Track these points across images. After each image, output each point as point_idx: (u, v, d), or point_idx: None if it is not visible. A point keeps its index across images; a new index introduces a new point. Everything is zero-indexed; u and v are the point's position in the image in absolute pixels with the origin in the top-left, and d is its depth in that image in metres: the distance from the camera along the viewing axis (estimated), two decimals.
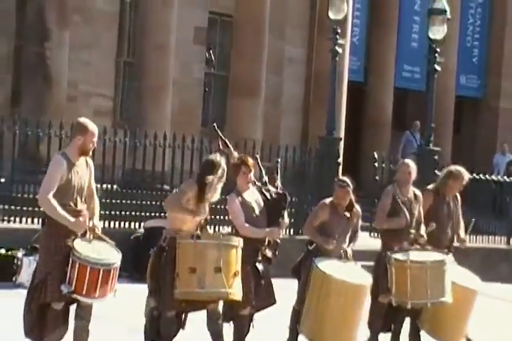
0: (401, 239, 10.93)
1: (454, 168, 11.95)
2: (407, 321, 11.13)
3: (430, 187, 11.53)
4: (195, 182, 9.45)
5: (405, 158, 16.73)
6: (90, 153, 8.76)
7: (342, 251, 10.27)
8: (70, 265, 8.32)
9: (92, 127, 8.67)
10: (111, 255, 8.65)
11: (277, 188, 10.31)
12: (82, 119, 8.89)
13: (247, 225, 9.53)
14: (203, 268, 9.02)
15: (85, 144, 8.61)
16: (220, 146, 10.78)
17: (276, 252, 10.02)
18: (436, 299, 10.69)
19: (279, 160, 12.29)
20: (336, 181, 11.01)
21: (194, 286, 9.04)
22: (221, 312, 9.25)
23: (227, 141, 10.75)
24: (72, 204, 8.45)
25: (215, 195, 9.34)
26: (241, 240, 9.23)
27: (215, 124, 11.70)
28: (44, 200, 8.39)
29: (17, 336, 9.08)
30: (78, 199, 8.53)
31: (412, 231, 11.07)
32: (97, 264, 8.42)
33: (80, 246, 8.40)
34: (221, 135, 10.89)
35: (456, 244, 11.52)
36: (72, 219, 8.32)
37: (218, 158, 9.56)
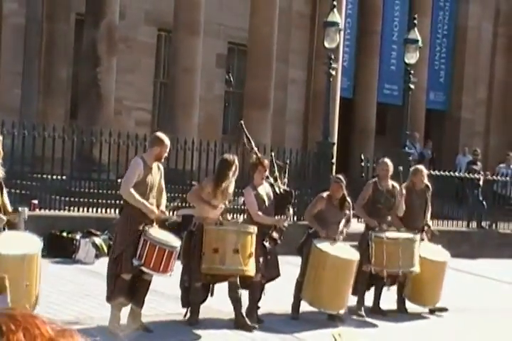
0: (380, 221, 11.01)
1: (416, 166, 12.16)
2: (394, 290, 11.19)
3: (405, 183, 11.61)
4: (212, 178, 9.53)
5: None
6: (163, 159, 8.97)
7: (337, 234, 10.35)
8: (141, 244, 8.48)
9: (167, 141, 8.94)
10: (174, 240, 8.80)
11: (284, 184, 10.37)
12: (160, 134, 9.14)
13: (260, 213, 9.59)
14: (224, 249, 9.11)
15: (161, 153, 8.84)
16: (245, 141, 10.80)
17: (282, 237, 10.05)
18: (407, 268, 10.82)
19: (288, 161, 12.30)
20: (332, 177, 11.07)
21: (217, 263, 9.15)
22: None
23: (250, 137, 10.75)
24: (145, 198, 8.62)
25: (230, 186, 9.41)
26: (255, 227, 9.30)
27: (242, 122, 11.67)
28: (126, 192, 8.63)
29: (77, 298, 9.15)
30: (150, 194, 8.70)
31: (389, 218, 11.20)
32: (164, 245, 8.60)
33: (151, 229, 8.60)
34: (246, 131, 10.88)
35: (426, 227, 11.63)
36: (149, 206, 8.55)
37: (232, 156, 9.65)
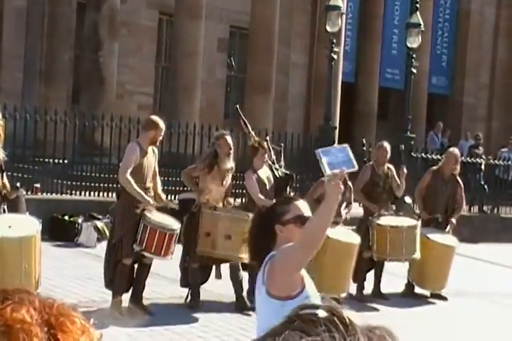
0: (379, 206, 10.99)
1: (449, 151, 12.06)
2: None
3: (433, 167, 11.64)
4: (203, 159, 9.48)
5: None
6: (158, 142, 8.93)
7: (337, 218, 10.32)
8: (141, 229, 8.48)
9: (162, 124, 8.89)
10: (173, 223, 8.81)
11: (281, 166, 10.34)
12: (155, 117, 9.09)
13: (261, 196, 9.55)
14: (215, 233, 9.12)
15: (155, 137, 8.81)
16: (242, 125, 10.77)
17: None
18: (409, 256, 10.79)
19: (282, 144, 12.23)
20: None
21: (208, 247, 9.16)
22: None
23: (246, 120, 10.72)
24: (143, 182, 8.61)
25: (226, 165, 9.31)
26: (250, 214, 9.22)
27: (237, 106, 11.65)
28: (123, 178, 8.62)
29: (80, 281, 9.14)
30: (147, 178, 8.69)
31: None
32: (165, 229, 8.62)
33: (150, 213, 8.59)
34: (242, 115, 10.86)
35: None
36: (145, 196, 8.53)
37: (224, 133, 9.63)
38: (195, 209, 9.31)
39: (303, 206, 4.00)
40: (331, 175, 3.84)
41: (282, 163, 10.56)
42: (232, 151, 9.41)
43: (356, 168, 4.39)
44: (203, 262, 9.28)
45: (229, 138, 9.40)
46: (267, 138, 10.88)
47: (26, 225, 7.92)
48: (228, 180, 9.41)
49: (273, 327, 0.66)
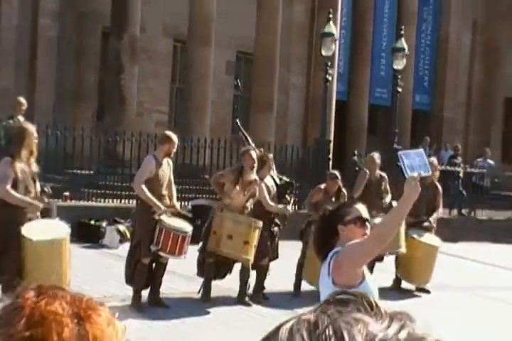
0: (370, 207, 10.91)
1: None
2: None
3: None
4: (232, 171, 9.46)
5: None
6: (172, 154, 8.93)
7: None
8: (157, 231, 8.49)
9: (175, 138, 8.90)
10: (186, 226, 8.82)
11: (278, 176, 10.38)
12: (169, 132, 9.08)
13: (271, 203, 9.55)
14: (220, 233, 9.10)
15: (170, 149, 8.82)
16: (240, 135, 10.77)
17: (286, 222, 10.04)
18: (393, 250, 10.71)
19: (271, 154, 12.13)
20: (328, 174, 11.01)
21: (214, 244, 9.15)
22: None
23: (246, 134, 10.72)
24: (159, 190, 8.62)
25: (251, 177, 9.27)
26: (256, 221, 9.18)
27: (237, 120, 11.65)
28: (138, 187, 8.64)
29: (104, 279, 9.12)
30: (163, 187, 8.71)
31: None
32: (178, 231, 8.61)
33: (165, 218, 8.59)
34: (242, 129, 10.86)
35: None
36: (157, 203, 8.52)
37: (250, 148, 9.64)
38: (218, 211, 9.32)
39: (362, 209, 4.13)
40: (411, 176, 3.96)
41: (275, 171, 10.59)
42: (256, 165, 9.35)
43: (430, 172, 4.45)
44: (218, 260, 9.24)
45: (253, 153, 9.38)
46: (252, 145, 10.76)
47: (57, 229, 7.92)
48: (251, 189, 9.31)
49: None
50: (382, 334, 0.58)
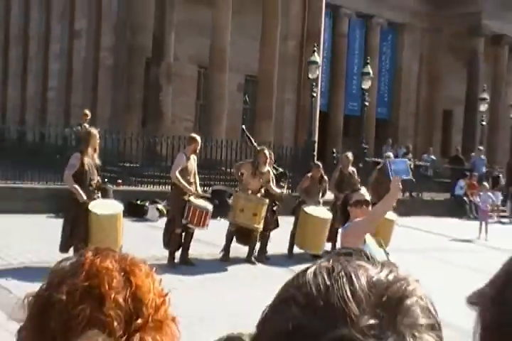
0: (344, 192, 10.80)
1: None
2: None
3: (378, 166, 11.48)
4: (250, 163, 9.34)
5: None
6: (197, 152, 8.85)
7: (317, 201, 10.25)
8: (187, 209, 8.44)
9: (199, 140, 8.85)
10: (208, 205, 8.77)
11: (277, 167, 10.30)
12: (194, 135, 9.02)
13: (274, 188, 9.47)
14: (235, 207, 9.08)
15: (195, 148, 8.77)
16: (246, 139, 10.71)
17: (281, 201, 9.98)
18: None
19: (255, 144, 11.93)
20: (313, 164, 10.93)
21: (231, 217, 9.11)
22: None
23: (251, 137, 10.65)
24: (188, 178, 8.56)
25: (265, 169, 9.22)
26: (263, 198, 9.11)
27: (243, 127, 11.60)
28: (173, 175, 8.58)
29: (147, 244, 9.10)
30: (190, 176, 8.64)
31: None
32: (202, 209, 8.56)
33: (192, 199, 8.55)
34: (247, 133, 10.79)
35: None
36: (188, 187, 8.49)
37: (264, 147, 9.55)
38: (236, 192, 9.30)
39: (362, 193, 4.23)
40: (395, 179, 4.03)
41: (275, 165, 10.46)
42: (268, 160, 9.27)
43: (410, 176, 4.48)
44: (238, 229, 9.11)
45: (266, 152, 9.30)
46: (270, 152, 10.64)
47: (114, 207, 7.91)
48: (263, 178, 9.22)
49: None
50: (377, 276, 0.61)
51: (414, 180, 19.36)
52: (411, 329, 0.59)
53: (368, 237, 4.06)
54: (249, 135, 10.74)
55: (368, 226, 4.03)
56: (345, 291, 0.59)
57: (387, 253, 4.12)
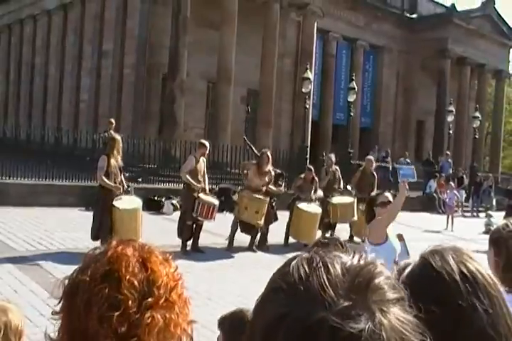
0: (330, 191, 10.74)
1: (367, 158, 11.79)
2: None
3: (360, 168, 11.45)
4: (255, 164, 9.26)
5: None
6: (206, 155, 8.76)
7: (309, 198, 10.22)
8: (196, 204, 8.38)
9: (207, 145, 8.75)
10: (215, 200, 8.70)
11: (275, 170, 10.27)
12: (203, 141, 8.94)
13: (272, 187, 9.43)
14: (240, 205, 9.02)
15: (204, 151, 8.68)
16: (248, 148, 10.68)
17: (278, 198, 9.94)
18: (351, 219, 10.63)
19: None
20: (306, 167, 10.91)
21: (237, 212, 9.07)
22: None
23: (252, 146, 10.62)
24: (197, 178, 8.51)
25: (268, 168, 9.10)
26: (263, 198, 9.01)
27: (245, 137, 11.60)
28: (183, 176, 8.53)
29: (163, 234, 9.09)
30: (199, 175, 8.57)
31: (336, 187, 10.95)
32: (210, 203, 8.50)
33: (202, 195, 8.49)
34: (248, 143, 10.78)
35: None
36: (195, 183, 8.42)
37: (266, 150, 9.49)
38: (240, 190, 9.22)
39: (387, 195, 4.35)
40: (402, 181, 4.37)
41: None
42: (270, 161, 9.19)
43: (415, 179, 4.75)
44: (242, 221, 9.04)
45: (268, 154, 9.19)
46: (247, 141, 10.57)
47: (134, 202, 7.88)
48: (266, 176, 9.11)
49: None
50: (350, 262, 0.62)
51: (392, 180, 19.38)
52: (379, 305, 0.60)
53: (391, 232, 4.24)
54: (250, 144, 10.75)
55: (386, 224, 4.20)
56: (323, 279, 0.60)
57: (405, 246, 4.25)
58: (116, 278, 0.94)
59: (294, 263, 0.64)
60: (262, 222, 9.03)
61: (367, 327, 0.57)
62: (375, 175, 11.28)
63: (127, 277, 0.94)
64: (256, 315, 0.64)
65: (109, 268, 0.95)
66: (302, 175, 10.45)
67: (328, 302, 0.59)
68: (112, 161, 7.65)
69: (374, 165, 11.43)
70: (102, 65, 20.90)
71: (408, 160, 22.74)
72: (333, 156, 11.15)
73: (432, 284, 0.68)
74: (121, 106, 19.36)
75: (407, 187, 4.25)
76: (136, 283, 0.94)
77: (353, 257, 0.64)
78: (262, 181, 9.16)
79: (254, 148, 10.56)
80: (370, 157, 11.47)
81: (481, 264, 0.94)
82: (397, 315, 0.60)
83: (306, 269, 0.62)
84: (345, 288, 0.60)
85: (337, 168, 11.11)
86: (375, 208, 4.27)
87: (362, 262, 0.63)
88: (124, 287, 0.93)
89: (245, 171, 9.28)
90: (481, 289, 0.89)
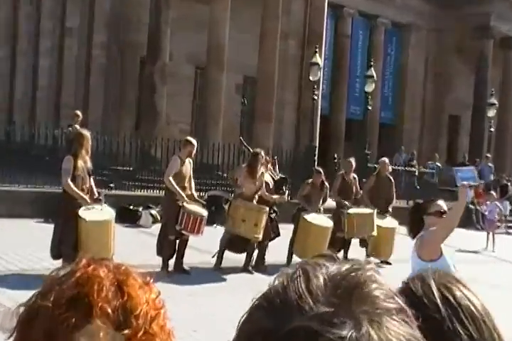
0: (346, 201, 10.82)
1: (381, 160, 11.90)
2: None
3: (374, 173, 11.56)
4: (245, 168, 9.36)
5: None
6: (193, 155, 8.84)
7: (317, 209, 10.26)
8: (181, 215, 8.42)
9: (195, 143, 8.83)
10: (203, 211, 8.75)
11: (277, 172, 10.32)
12: (190, 138, 9.00)
13: (267, 194, 9.48)
14: (235, 217, 9.06)
15: (190, 152, 8.75)
16: (244, 148, 10.78)
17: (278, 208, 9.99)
18: (369, 233, 10.65)
19: (276, 157, 12.08)
20: (314, 169, 10.96)
21: (230, 225, 9.11)
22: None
23: (249, 148, 10.72)
24: (182, 183, 8.56)
25: (260, 171, 9.20)
26: (263, 206, 9.11)
27: (241, 138, 11.69)
28: (167, 180, 8.57)
29: (140, 250, 9.09)
30: (185, 180, 8.65)
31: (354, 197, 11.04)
32: (197, 215, 8.55)
33: (186, 204, 8.52)
34: (245, 144, 10.88)
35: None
36: (182, 193, 8.48)
37: (259, 151, 9.54)
38: (232, 199, 9.29)
39: (441, 204, 4.36)
40: (462, 185, 4.34)
41: (277, 170, 10.53)
42: (263, 163, 9.29)
43: (477, 183, 4.79)
44: (233, 237, 9.14)
45: (263, 154, 9.31)
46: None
47: (106, 212, 7.89)
48: (258, 181, 9.20)
49: None
50: (335, 271, 0.65)
51: (418, 187, 19.47)
52: (369, 314, 0.62)
53: (444, 248, 4.26)
54: (247, 146, 10.85)
55: (444, 235, 4.20)
56: (301, 288, 0.64)
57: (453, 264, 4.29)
58: (86, 304, 0.93)
59: (275, 277, 0.69)
60: (260, 236, 9.06)
61: (349, 334, 0.60)
62: (392, 180, 11.31)
63: (99, 303, 0.93)
64: (236, 337, 0.68)
65: (78, 291, 0.94)
66: (309, 181, 10.49)
67: (304, 310, 0.62)
68: (79, 163, 7.66)
69: (390, 168, 11.47)
70: (66, 44, 20.91)
71: (438, 164, 22.83)
72: (353, 160, 11.15)
73: (411, 309, 0.73)
74: (88, 94, 19.37)
75: (470, 192, 4.37)
76: (109, 310, 0.94)
77: (342, 266, 0.66)
78: (255, 186, 9.22)
79: (250, 149, 10.62)
80: (385, 159, 11.51)
81: (471, 289, 1.01)
82: (393, 329, 0.62)
83: (284, 281, 0.66)
84: (327, 295, 0.63)
85: (355, 176, 11.13)
86: (425, 217, 4.27)
87: (349, 269, 0.66)
88: (96, 315, 0.92)
89: (235, 178, 9.32)
90: (465, 314, 0.97)
